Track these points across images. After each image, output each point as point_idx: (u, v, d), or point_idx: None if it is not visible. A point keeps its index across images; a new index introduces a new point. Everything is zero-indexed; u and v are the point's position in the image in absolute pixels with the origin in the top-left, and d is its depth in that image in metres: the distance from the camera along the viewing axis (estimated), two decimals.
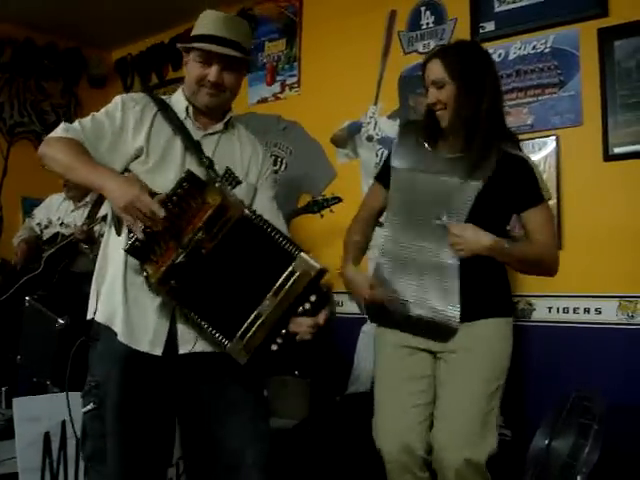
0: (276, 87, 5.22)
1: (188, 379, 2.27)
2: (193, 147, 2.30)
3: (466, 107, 2.51)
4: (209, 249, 2.05)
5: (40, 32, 5.96)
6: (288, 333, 2.10)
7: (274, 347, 2.09)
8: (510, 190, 2.54)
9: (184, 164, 2.28)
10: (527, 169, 2.57)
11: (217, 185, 2.11)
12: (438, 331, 2.55)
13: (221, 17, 2.32)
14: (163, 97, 2.45)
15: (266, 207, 2.38)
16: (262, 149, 2.54)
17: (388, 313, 2.64)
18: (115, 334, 2.20)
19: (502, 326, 2.60)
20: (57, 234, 4.74)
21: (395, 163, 2.72)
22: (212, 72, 2.28)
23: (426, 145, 2.66)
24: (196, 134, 2.34)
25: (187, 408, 2.33)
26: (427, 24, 4.40)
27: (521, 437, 3.38)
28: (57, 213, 4.87)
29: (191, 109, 2.37)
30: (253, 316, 2.07)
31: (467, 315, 2.52)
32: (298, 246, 2.11)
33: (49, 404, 2.95)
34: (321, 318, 2.12)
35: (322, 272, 2.06)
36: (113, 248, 2.28)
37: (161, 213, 2.01)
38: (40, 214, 4.97)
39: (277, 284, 2.06)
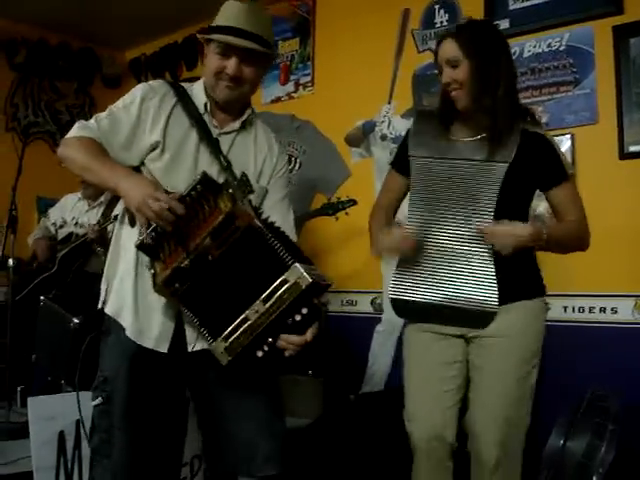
0: (290, 86, 5.22)
1: (196, 375, 2.27)
2: (212, 146, 2.28)
3: (483, 85, 2.46)
4: (215, 256, 2.02)
5: (54, 32, 6.00)
6: (275, 342, 2.06)
7: (259, 354, 2.05)
8: (534, 168, 2.51)
9: (197, 160, 2.26)
10: (549, 146, 2.54)
11: (230, 191, 2.06)
12: (476, 318, 2.51)
13: (243, 7, 2.26)
14: (184, 85, 2.41)
15: (276, 207, 2.36)
16: (278, 148, 2.48)
17: (420, 306, 2.60)
18: (123, 329, 2.21)
19: (536, 307, 2.58)
20: (71, 234, 4.76)
21: (413, 152, 2.66)
22: (230, 65, 2.23)
23: (443, 130, 2.61)
24: (212, 132, 2.31)
25: (200, 402, 2.33)
26: (441, 22, 4.40)
27: (536, 437, 3.36)
28: (71, 213, 4.88)
29: (209, 105, 2.33)
30: (240, 319, 2.03)
31: (502, 298, 2.48)
32: (299, 255, 2.07)
33: (64, 403, 2.95)
34: (309, 336, 2.08)
35: (314, 285, 2.00)
36: (125, 243, 2.27)
37: (179, 210, 2.00)
38: (55, 214, 5.00)
39: (267, 291, 2.01)
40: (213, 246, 2.01)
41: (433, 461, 2.56)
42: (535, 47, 3.94)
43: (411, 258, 2.60)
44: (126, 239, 2.27)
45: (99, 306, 2.32)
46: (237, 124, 2.36)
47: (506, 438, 2.47)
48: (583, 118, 3.77)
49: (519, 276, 2.55)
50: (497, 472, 2.47)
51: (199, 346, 2.21)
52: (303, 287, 1.99)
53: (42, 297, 4.06)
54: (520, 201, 2.58)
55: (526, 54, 3.96)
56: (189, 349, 2.21)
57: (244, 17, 2.23)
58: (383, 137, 4.60)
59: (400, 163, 2.74)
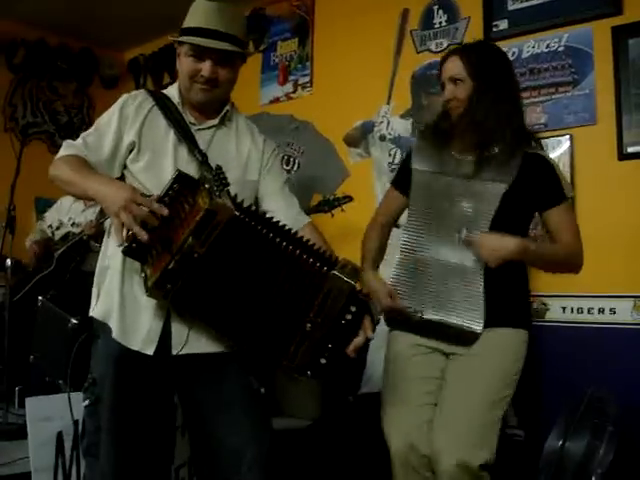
0: (288, 87, 5.22)
1: (183, 379, 2.26)
2: (187, 140, 2.27)
3: (482, 106, 2.48)
4: (201, 253, 2.00)
5: (53, 33, 6.00)
6: (335, 347, 2.10)
7: (322, 361, 2.09)
8: (533, 190, 2.52)
9: (176, 158, 2.25)
10: (548, 167, 2.55)
11: (206, 186, 2.05)
12: (460, 336, 2.52)
13: (213, 7, 2.24)
14: (164, 91, 2.41)
15: (277, 195, 2.36)
16: (262, 139, 2.45)
17: (407, 319, 2.61)
18: (110, 331, 2.20)
19: (519, 337, 2.57)
20: (68, 234, 4.76)
21: (416, 166, 2.69)
22: (205, 67, 2.22)
23: (445, 147, 2.63)
24: (190, 128, 2.31)
25: (186, 408, 2.32)
26: (440, 23, 4.39)
27: (535, 438, 3.36)
28: (68, 214, 4.89)
29: (185, 101, 2.32)
30: (299, 341, 2.08)
31: (487, 321, 2.49)
32: (330, 261, 2.11)
33: (62, 404, 2.95)
34: (369, 332, 2.11)
35: (354, 289, 2.08)
36: (114, 247, 2.26)
37: (163, 211, 2.00)
38: (51, 216, 5.01)
39: (316, 306, 2.06)
40: (197, 244, 2.00)
41: (409, 470, 2.56)
42: (534, 48, 3.94)
43: (405, 272, 2.65)
44: (112, 246, 2.26)
45: (90, 313, 2.32)
46: (216, 120, 2.35)
47: (464, 461, 2.41)
48: (582, 119, 3.76)
49: (508, 302, 2.55)
50: None
51: (184, 350, 2.19)
52: (347, 293, 2.06)
53: (40, 297, 4.05)
54: (518, 222, 2.59)
55: (525, 55, 3.95)
56: (173, 352, 2.18)
57: (216, 17, 2.22)
58: (382, 137, 4.60)
59: (401, 181, 2.76)
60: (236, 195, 2.10)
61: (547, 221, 2.59)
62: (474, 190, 2.55)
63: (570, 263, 2.61)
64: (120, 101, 2.32)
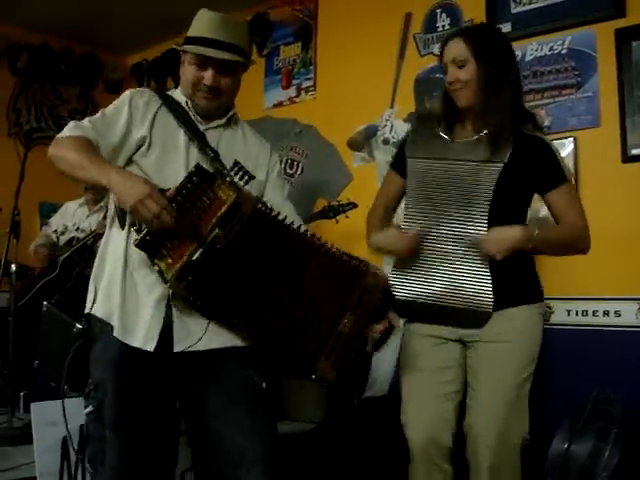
0: (292, 91, 5.22)
1: (186, 376, 2.26)
2: (197, 138, 2.29)
3: (487, 86, 2.48)
4: (223, 244, 2.04)
5: (56, 37, 6.01)
6: (363, 340, 2.17)
7: (352, 354, 2.14)
8: (531, 171, 2.52)
9: (188, 156, 2.27)
10: (547, 149, 2.55)
11: (228, 180, 2.09)
12: (472, 318, 2.52)
13: (217, 18, 2.30)
14: (167, 92, 2.44)
15: (281, 207, 2.35)
16: (269, 145, 2.52)
17: (417, 306, 2.61)
18: (111, 329, 2.20)
19: (533, 313, 2.57)
20: (73, 239, 4.76)
21: (410, 152, 2.69)
22: (208, 76, 2.27)
23: (441, 132, 2.64)
24: (199, 127, 2.34)
25: (188, 406, 2.31)
26: (443, 26, 4.40)
27: (540, 440, 3.35)
28: (72, 219, 4.89)
29: (191, 103, 2.35)
30: (336, 335, 2.11)
31: (499, 302, 2.49)
32: (359, 260, 2.19)
33: (67, 408, 2.95)
34: (395, 320, 2.20)
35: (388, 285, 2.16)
36: (113, 245, 2.27)
37: (173, 213, 2.00)
38: (56, 222, 5.01)
39: (353, 302, 2.12)
40: (221, 235, 2.03)
41: (429, 465, 2.56)
42: (537, 50, 3.94)
43: (408, 259, 2.62)
44: (115, 240, 2.27)
45: (86, 310, 2.31)
46: (223, 120, 2.39)
47: (502, 442, 2.46)
48: (586, 121, 3.76)
49: (517, 281, 2.55)
50: (492, 473, 2.47)
51: (186, 346, 2.20)
52: (381, 289, 2.16)
53: (45, 302, 4.05)
54: (516, 203, 2.58)
55: (528, 57, 3.95)
56: (181, 349, 2.19)
57: (219, 27, 2.27)
58: (385, 141, 4.60)
59: (398, 164, 2.76)
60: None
61: (550, 204, 2.58)
62: (471, 172, 2.54)
63: (578, 243, 2.59)
64: (127, 94, 2.33)
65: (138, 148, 2.27)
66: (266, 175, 2.44)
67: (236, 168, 2.14)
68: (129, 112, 2.27)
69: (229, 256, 2.06)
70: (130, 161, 2.28)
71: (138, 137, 2.26)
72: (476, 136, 2.58)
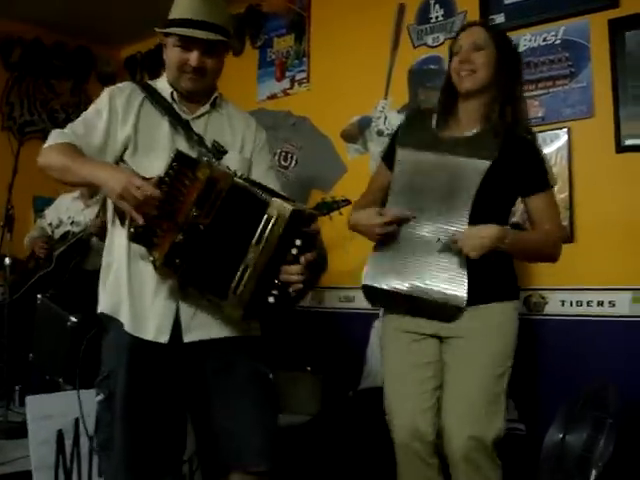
0: (285, 83, 5.20)
1: (194, 367, 2.28)
2: (181, 126, 2.30)
3: (498, 75, 2.52)
4: (206, 224, 2.05)
5: (49, 31, 5.98)
6: (281, 283, 2.08)
7: (271, 299, 2.08)
8: (517, 172, 2.52)
9: (173, 146, 2.26)
10: (534, 153, 2.56)
11: (205, 160, 2.10)
12: (444, 311, 2.51)
13: None
14: (149, 82, 2.44)
15: (262, 177, 2.36)
16: (254, 122, 2.53)
17: (391, 295, 2.60)
18: (121, 325, 2.23)
19: (508, 309, 2.56)
20: (68, 232, 4.75)
21: (401, 142, 2.69)
22: (193, 57, 2.27)
23: (434, 126, 2.64)
24: (183, 117, 2.35)
25: (194, 395, 2.33)
26: (436, 17, 4.39)
27: (535, 431, 3.36)
28: (67, 212, 4.88)
29: (176, 94, 2.36)
30: (241, 269, 2.06)
31: (473, 298, 2.48)
32: (277, 193, 2.12)
33: (62, 402, 2.95)
34: (305, 259, 2.09)
35: (298, 213, 2.04)
36: (116, 241, 2.30)
37: (155, 192, 2.01)
38: (51, 214, 4.99)
39: (257, 233, 2.04)
40: (201, 215, 2.04)
41: (414, 458, 2.57)
42: (530, 41, 3.94)
43: (385, 246, 2.61)
44: (117, 238, 2.30)
45: (98, 310, 2.35)
46: (207, 107, 2.40)
47: (475, 437, 2.44)
48: (579, 112, 3.76)
49: (493, 277, 2.54)
50: (468, 467, 2.46)
51: (195, 337, 2.23)
52: (287, 217, 2.02)
53: (39, 296, 4.05)
54: (499, 202, 2.58)
55: (522, 48, 3.94)
56: (191, 339, 2.23)
57: (201, 8, 2.27)
58: (379, 133, 4.60)
59: (388, 156, 2.75)
60: (235, 171, 2.15)
61: (530, 207, 2.59)
62: (457, 166, 2.54)
63: (549, 250, 2.60)
64: (106, 95, 2.34)
65: (125, 148, 2.29)
66: (251, 152, 2.45)
67: (214, 147, 2.18)
68: (108, 115, 2.29)
69: (212, 234, 2.07)
70: (121, 160, 2.30)
71: (123, 137, 2.28)
72: (468, 132, 2.58)
